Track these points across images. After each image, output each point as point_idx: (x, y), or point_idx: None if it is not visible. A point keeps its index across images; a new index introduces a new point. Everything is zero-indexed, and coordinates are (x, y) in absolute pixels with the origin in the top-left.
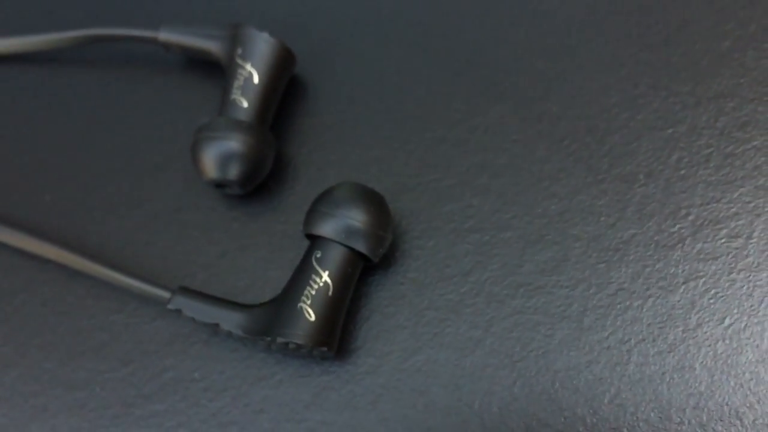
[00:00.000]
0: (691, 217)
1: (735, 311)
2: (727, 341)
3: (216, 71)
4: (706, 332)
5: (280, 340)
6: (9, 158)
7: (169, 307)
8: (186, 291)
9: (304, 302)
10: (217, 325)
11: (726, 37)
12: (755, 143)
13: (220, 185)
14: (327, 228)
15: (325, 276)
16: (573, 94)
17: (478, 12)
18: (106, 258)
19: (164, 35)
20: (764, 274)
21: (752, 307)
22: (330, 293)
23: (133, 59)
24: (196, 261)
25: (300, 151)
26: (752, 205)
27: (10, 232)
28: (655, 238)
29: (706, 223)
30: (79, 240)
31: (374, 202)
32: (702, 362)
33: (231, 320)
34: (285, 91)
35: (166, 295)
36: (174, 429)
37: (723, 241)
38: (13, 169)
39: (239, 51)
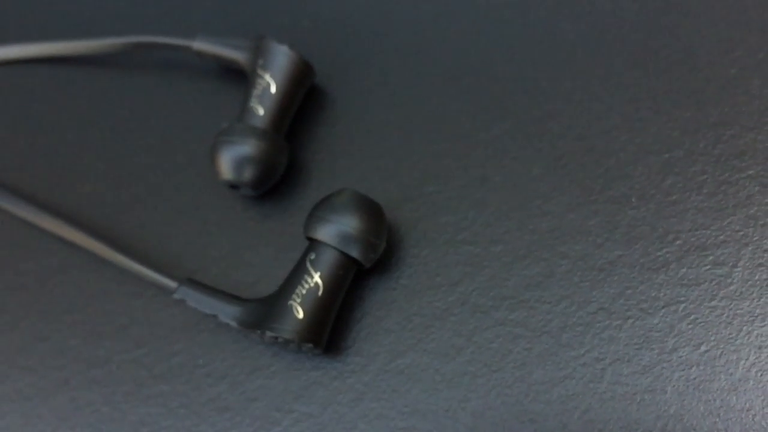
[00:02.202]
0: (678, 242)
1: (712, 338)
2: (701, 367)
3: (243, 79)
4: (681, 356)
5: (268, 334)
6: (56, 151)
7: (175, 296)
8: (191, 283)
9: (295, 300)
10: (216, 316)
11: (732, 65)
12: (750, 172)
13: (234, 186)
14: (322, 232)
15: (316, 277)
16: (574, 115)
17: (490, 32)
18: (131, 247)
19: (198, 44)
20: (746, 303)
21: (730, 335)
22: (320, 293)
23: (169, 65)
24: (211, 255)
25: (313, 158)
26: (741, 233)
27: (48, 218)
28: (641, 261)
29: (692, 248)
30: (110, 229)
31: (369, 210)
32: (674, 386)
33: (228, 312)
34: (304, 100)
35: (173, 285)
36: (176, 409)
37: (708, 267)
38: (59, 161)
39: (260, 62)
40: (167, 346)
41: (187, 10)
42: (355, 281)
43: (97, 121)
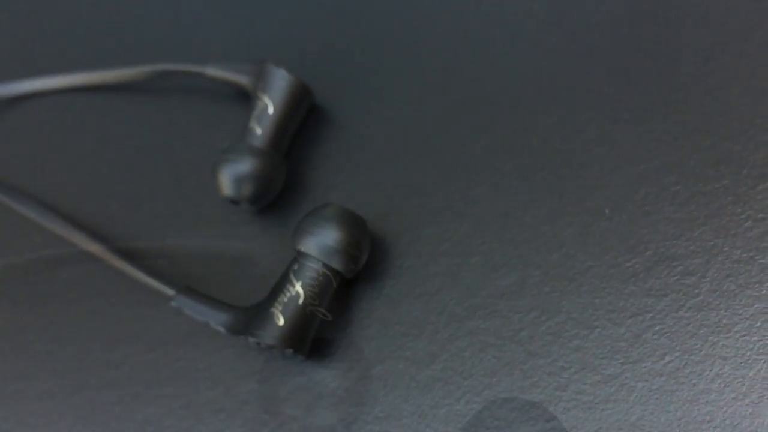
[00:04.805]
0: (648, 253)
1: (677, 348)
2: (665, 377)
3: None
4: (645, 366)
5: (251, 339)
6: (86, 172)
7: (172, 303)
8: (187, 291)
9: (276, 308)
10: (208, 323)
11: (713, 74)
12: (725, 182)
13: (234, 201)
14: (305, 243)
15: (298, 286)
16: (555, 128)
17: (477, 49)
18: (141, 258)
19: (210, 70)
20: (712, 314)
21: (695, 346)
22: (300, 302)
23: (184, 89)
24: (212, 266)
25: (311, 174)
26: (711, 244)
27: (75, 232)
28: (610, 271)
29: (662, 259)
30: (131, 242)
31: (352, 223)
32: (637, 395)
33: (217, 319)
34: (305, 119)
35: (172, 292)
36: (178, 410)
37: (676, 278)
38: (89, 181)
39: (260, 84)
40: (173, 351)
41: (200, 39)
42: (342, 290)
43: (123, 143)
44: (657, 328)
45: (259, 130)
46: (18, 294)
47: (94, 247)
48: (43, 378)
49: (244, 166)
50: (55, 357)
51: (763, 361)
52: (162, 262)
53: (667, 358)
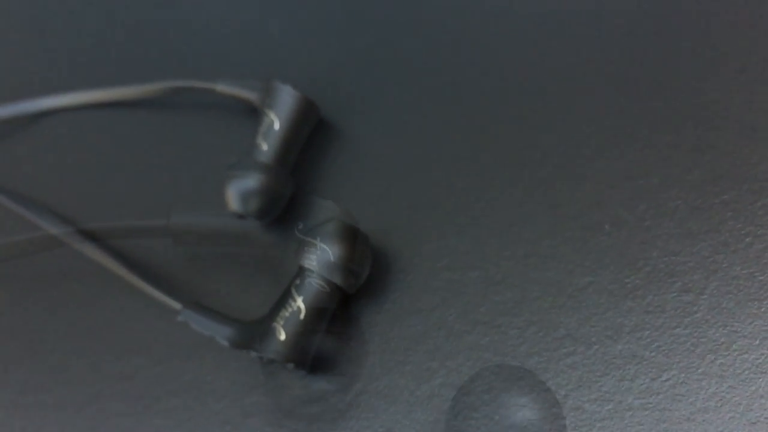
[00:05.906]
0: (647, 269)
1: (674, 366)
2: (662, 395)
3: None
4: (642, 384)
5: (253, 353)
6: (99, 185)
7: (179, 319)
8: (194, 305)
9: (278, 322)
10: (213, 337)
11: (713, 89)
12: (725, 197)
13: (241, 216)
14: (306, 259)
15: (299, 301)
16: (555, 142)
17: (480, 66)
18: (150, 272)
19: (220, 87)
20: (710, 331)
21: (692, 363)
22: (301, 317)
23: (194, 104)
24: (221, 280)
25: (317, 189)
26: (710, 260)
27: (86, 243)
28: (609, 287)
29: (661, 275)
30: (139, 256)
31: (353, 238)
32: (633, 413)
33: (222, 333)
34: (313, 134)
35: (179, 306)
36: (184, 422)
37: (674, 294)
38: (101, 193)
39: (267, 100)
40: (182, 363)
41: (210, 56)
42: (344, 304)
43: (135, 157)
44: (655, 345)
45: (265, 146)
46: (31, 307)
47: (106, 261)
48: (56, 389)
49: (251, 181)
50: (68, 369)
51: (761, 379)
52: (169, 276)
53: (665, 376)
